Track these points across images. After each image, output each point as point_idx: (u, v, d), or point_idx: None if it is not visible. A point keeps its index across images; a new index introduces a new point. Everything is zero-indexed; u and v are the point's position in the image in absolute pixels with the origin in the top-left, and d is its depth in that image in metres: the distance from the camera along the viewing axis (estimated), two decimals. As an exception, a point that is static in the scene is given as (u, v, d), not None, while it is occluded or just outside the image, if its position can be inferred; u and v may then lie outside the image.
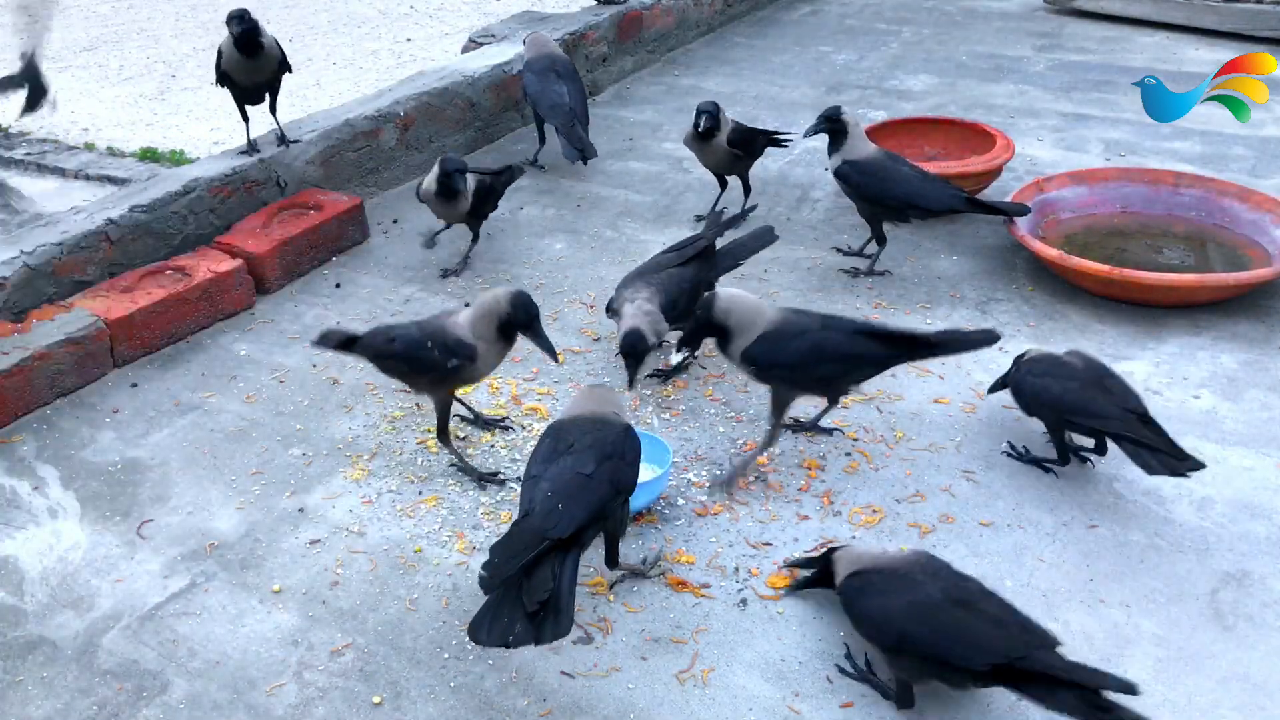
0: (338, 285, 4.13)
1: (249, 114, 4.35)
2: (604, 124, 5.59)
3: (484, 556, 2.29)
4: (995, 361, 3.46)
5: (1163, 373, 3.39)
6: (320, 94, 6.67)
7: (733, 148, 4.18)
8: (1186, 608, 2.53)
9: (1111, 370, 2.95)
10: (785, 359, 2.88)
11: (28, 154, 5.80)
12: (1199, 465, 2.69)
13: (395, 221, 4.63)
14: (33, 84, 6.19)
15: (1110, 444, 2.89)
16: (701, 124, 4.06)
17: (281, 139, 4.47)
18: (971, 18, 7.24)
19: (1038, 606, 2.53)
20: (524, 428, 3.25)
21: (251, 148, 4.38)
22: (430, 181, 3.98)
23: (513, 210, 4.63)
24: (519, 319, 2.82)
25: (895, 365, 3.00)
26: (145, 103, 6.79)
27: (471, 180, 4.01)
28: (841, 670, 2.41)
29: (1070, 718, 2.06)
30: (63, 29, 8.44)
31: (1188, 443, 2.79)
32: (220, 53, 4.16)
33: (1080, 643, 2.44)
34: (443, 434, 3.01)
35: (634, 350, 3.06)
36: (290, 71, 4.35)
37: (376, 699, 2.39)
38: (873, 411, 3.26)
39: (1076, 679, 2.06)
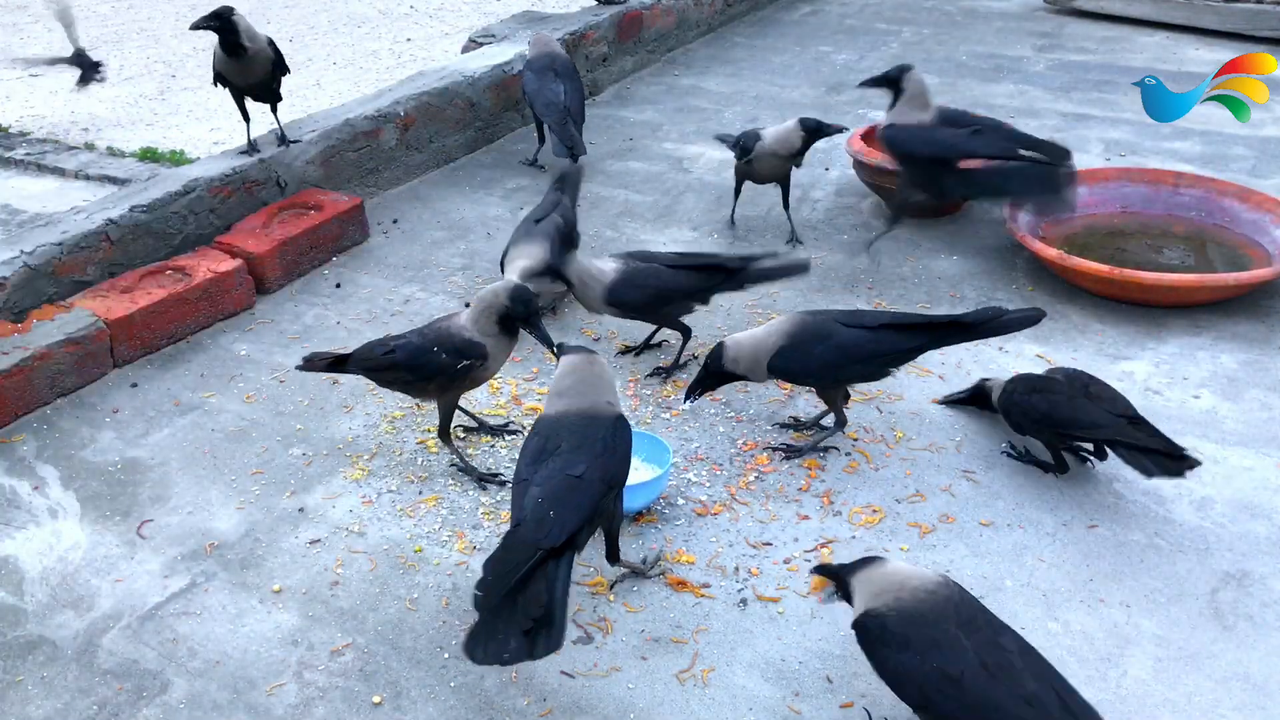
0: (338, 285, 4.13)
1: (249, 113, 4.36)
2: (604, 124, 5.59)
3: (485, 556, 2.29)
4: (995, 362, 3.46)
5: (1163, 373, 3.39)
6: (320, 94, 6.67)
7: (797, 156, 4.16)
8: (1186, 608, 2.53)
9: (1094, 378, 2.94)
10: (813, 366, 2.92)
11: (28, 154, 5.80)
12: (1195, 463, 2.68)
13: (395, 221, 4.63)
14: (82, 63, 6.38)
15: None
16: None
17: (281, 139, 4.47)
18: (971, 18, 7.24)
19: (1038, 606, 2.53)
20: (525, 428, 3.25)
21: (251, 148, 4.38)
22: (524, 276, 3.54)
23: (513, 210, 4.63)
24: (517, 312, 2.83)
25: (930, 351, 3.00)
26: (145, 103, 6.79)
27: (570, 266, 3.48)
28: None
29: None
30: (63, 29, 8.45)
31: (1187, 442, 2.80)
32: (214, 53, 4.17)
33: (1080, 643, 2.44)
34: (444, 434, 3.02)
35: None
36: (287, 73, 4.35)
37: (376, 699, 2.39)
38: (873, 411, 3.26)
39: None
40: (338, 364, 3.03)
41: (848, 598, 2.24)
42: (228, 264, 3.93)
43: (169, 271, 3.88)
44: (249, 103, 4.34)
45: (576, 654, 2.48)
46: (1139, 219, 4.22)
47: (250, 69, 4.18)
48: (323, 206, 4.33)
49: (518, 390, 3.44)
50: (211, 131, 6.18)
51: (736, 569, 2.70)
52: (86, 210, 4.00)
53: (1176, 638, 2.46)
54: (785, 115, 5.54)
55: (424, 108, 5.00)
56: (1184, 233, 4.14)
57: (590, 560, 2.69)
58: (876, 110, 5.60)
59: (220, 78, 4.24)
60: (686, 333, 3.49)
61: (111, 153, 5.87)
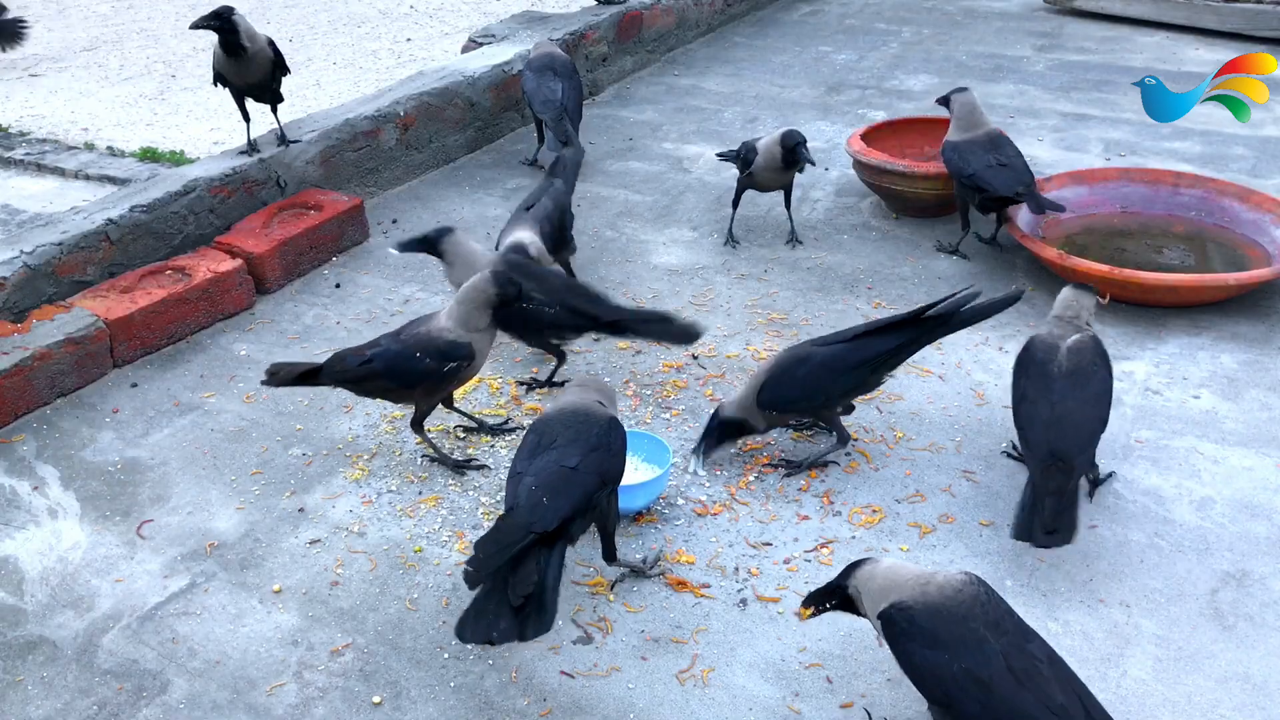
0: (337, 285, 4.13)
1: (249, 113, 4.36)
2: (604, 124, 5.59)
3: (484, 556, 2.29)
4: (995, 362, 3.46)
5: (1163, 373, 3.39)
6: (320, 94, 6.67)
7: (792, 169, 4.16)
8: (1186, 607, 2.53)
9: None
10: (799, 389, 2.92)
11: (28, 154, 5.80)
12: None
13: (395, 221, 4.63)
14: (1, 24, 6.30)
15: (1099, 455, 2.87)
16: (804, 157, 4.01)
17: (281, 139, 4.47)
18: (971, 18, 7.24)
19: (1038, 606, 2.53)
20: (524, 427, 3.25)
21: (251, 148, 4.38)
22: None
23: (513, 210, 4.61)
24: (510, 294, 2.83)
25: (922, 347, 2.98)
26: (145, 102, 6.78)
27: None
28: None
29: None
30: (63, 29, 8.45)
31: (1187, 442, 2.79)
32: (214, 53, 4.17)
33: (1080, 642, 2.44)
34: (418, 425, 3.03)
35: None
36: (287, 73, 4.35)
37: (376, 699, 2.39)
38: (873, 411, 3.26)
39: None
40: (307, 377, 2.94)
41: (847, 606, 2.20)
42: (228, 264, 3.93)
43: (169, 271, 3.88)
44: (249, 103, 4.34)
45: (576, 654, 2.48)
46: (1139, 219, 4.22)
47: (250, 69, 4.18)
48: (323, 206, 4.33)
49: (517, 390, 3.44)
50: (211, 131, 6.18)
51: (736, 569, 2.70)
52: (86, 210, 4.00)
53: (1176, 638, 2.46)
54: (785, 115, 5.57)
55: (424, 108, 5.00)
56: (1184, 233, 4.14)
57: (590, 560, 2.69)
58: (876, 110, 5.62)
59: (220, 78, 4.25)
60: (561, 357, 3.43)
61: (111, 153, 5.86)
